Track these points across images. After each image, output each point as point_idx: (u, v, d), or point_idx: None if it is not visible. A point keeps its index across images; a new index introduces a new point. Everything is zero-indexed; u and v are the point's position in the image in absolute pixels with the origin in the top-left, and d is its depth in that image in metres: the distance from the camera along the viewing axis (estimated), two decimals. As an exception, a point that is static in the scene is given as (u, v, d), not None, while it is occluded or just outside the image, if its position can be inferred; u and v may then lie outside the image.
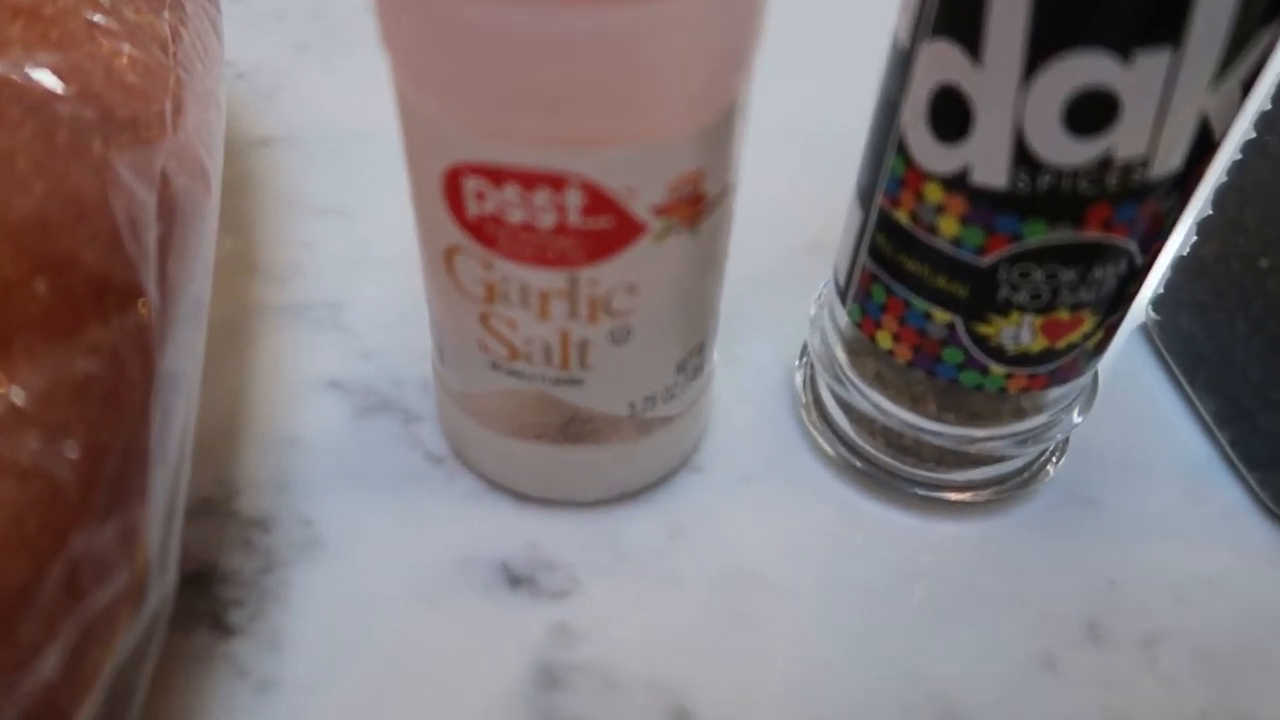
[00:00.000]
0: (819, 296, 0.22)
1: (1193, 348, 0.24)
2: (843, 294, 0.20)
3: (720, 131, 0.16)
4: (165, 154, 0.17)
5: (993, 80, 0.15)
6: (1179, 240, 0.24)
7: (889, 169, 0.17)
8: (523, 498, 0.21)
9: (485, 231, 0.16)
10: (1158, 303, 0.25)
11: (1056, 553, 0.21)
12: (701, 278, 0.18)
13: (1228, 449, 0.23)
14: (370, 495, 0.21)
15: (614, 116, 0.14)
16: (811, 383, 0.23)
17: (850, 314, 0.20)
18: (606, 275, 0.16)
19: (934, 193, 0.16)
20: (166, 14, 0.20)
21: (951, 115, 0.15)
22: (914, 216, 0.17)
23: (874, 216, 0.18)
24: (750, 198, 0.25)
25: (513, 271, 0.16)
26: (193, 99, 0.19)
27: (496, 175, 0.15)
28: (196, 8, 0.22)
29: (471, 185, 0.15)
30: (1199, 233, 0.23)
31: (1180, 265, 0.24)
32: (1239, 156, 0.22)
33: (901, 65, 0.16)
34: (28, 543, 0.11)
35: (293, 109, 0.31)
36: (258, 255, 0.26)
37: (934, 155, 0.16)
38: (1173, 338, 0.25)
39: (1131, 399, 0.24)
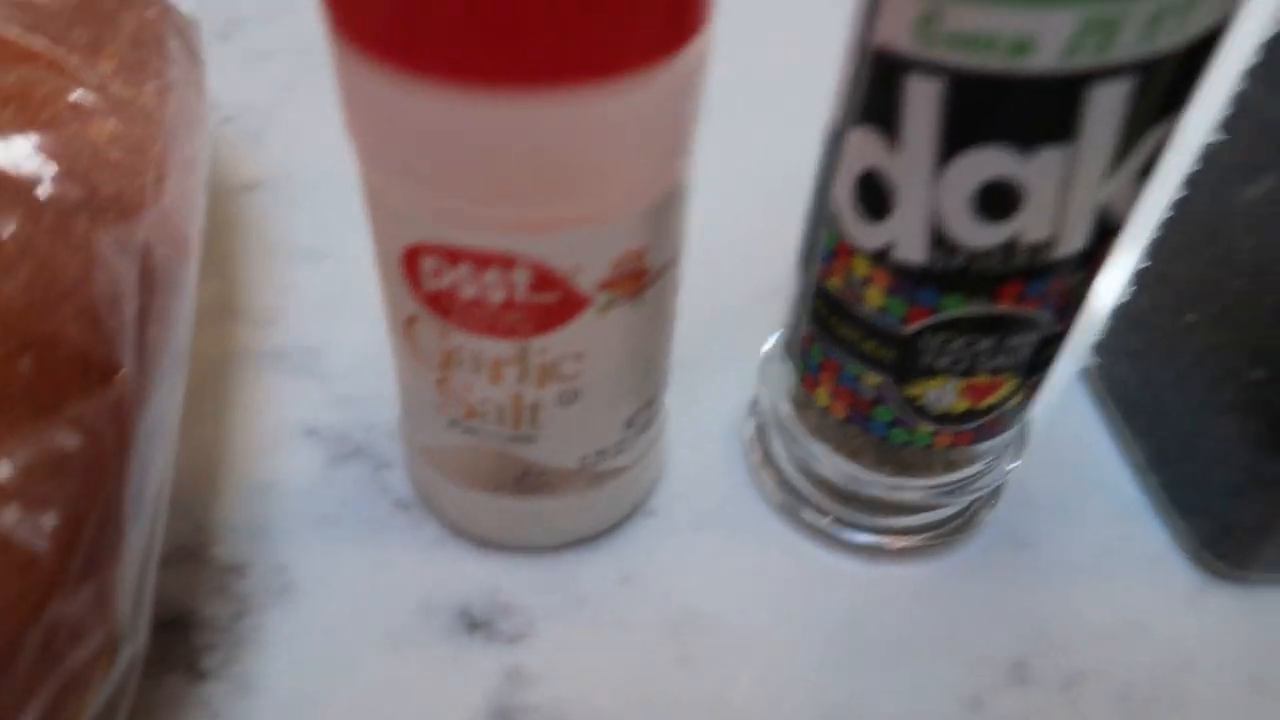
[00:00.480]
0: (768, 348, 0.23)
1: (1129, 393, 0.25)
2: (787, 350, 0.21)
3: (662, 211, 0.17)
4: (147, 227, 0.18)
5: (909, 168, 0.16)
6: (1120, 287, 0.25)
7: (822, 241, 0.18)
8: (484, 543, 0.22)
9: (441, 304, 0.17)
10: (1099, 347, 0.26)
11: (990, 595, 0.22)
12: (646, 342, 0.19)
13: (1158, 493, 0.24)
14: (341, 541, 0.22)
15: (560, 204, 0.15)
16: (761, 430, 0.24)
17: (794, 370, 0.21)
18: (554, 345, 0.17)
19: (861, 266, 0.18)
20: (152, 84, 0.21)
21: (875, 197, 0.17)
22: (844, 286, 0.18)
23: (811, 282, 0.19)
24: (713, 242, 0.26)
25: (466, 341, 0.17)
26: (176, 167, 0.20)
27: (451, 255, 0.16)
28: (181, 72, 0.23)
29: (428, 263, 0.16)
30: (1135, 283, 0.25)
31: (1119, 313, 0.25)
32: (1170, 214, 0.23)
33: (834, 146, 0.18)
34: (6, 611, 0.12)
35: (279, 152, 0.32)
36: (241, 300, 0.27)
37: (860, 232, 0.17)
38: (1111, 383, 0.26)
39: (1070, 442, 0.26)
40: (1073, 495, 0.24)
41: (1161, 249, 0.23)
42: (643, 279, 0.17)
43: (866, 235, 0.17)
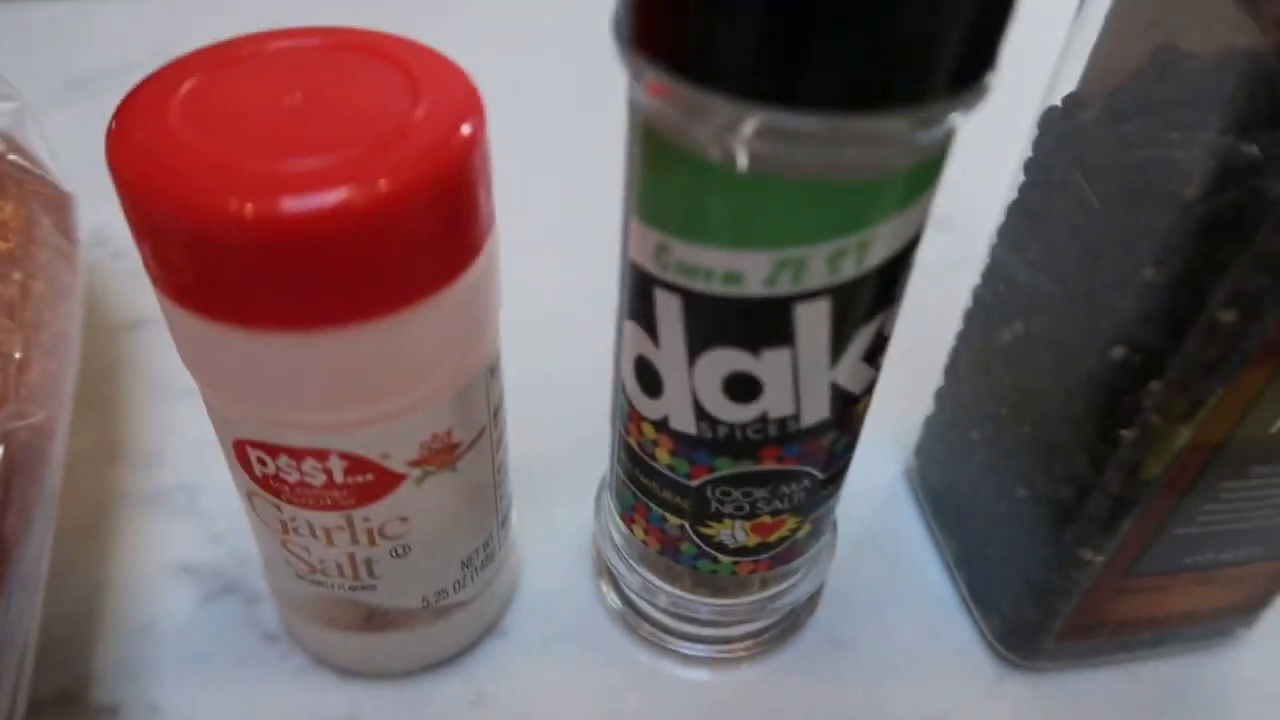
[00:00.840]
0: (603, 478, 0.26)
1: (939, 495, 0.28)
2: (610, 489, 0.24)
3: (467, 394, 0.19)
4: (7, 416, 0.20)
5: (668, 360, 0.18)
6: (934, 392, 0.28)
7: (620, 404, 0.21)
8: (345, 672, 0.24)
9: (270, 485, 0.19)
10: (917, 450, 0.29)
11: (809, 695, 0.25)
12: (469, 499, 0.21)
13: (964, 589, 0.27)
14: (213, 678, 0.24)
15: (360, 410, 0.18)
16: (601, 553, 0.26)
17: (617, 506, 0.23)
18: (376, 514, 0.20)
19: (649, 430, 0.20)
20: (17, 274, 0.23)
21: (649, 378, 0.19)
22: (639, 444, 0.21)
23: (617, 437, 0.22)
24: (572, 361, 0.28)
25: (298, 513, 0.20)
26: (39, 353, 0.22)
27: (271, 450, 0.18)
28: (51, 251, 0.25)
29: (254, 454, 0.19)
30: (936, 400, 0.27)
31: (928, 423, 0.28)
32: (956, 344, 0.26)
33: (619, 327, 0.20)
34: None
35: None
36: (122, 441, 0.29)
37: (643, 404, 0.20)
38: (925, 484, 0.29)
39: (892, 538, 0.28)
40: (890, 592, 0.27)
41: (952, 373, 0.26)
42: (454, 451, 0.20)
43: (648, 407, 0.20)
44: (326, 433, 0.18)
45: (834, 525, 0.25)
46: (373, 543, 0.20)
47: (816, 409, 0.19)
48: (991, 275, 0.24)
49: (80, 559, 0.26)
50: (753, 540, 0.21)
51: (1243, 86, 0.16)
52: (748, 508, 0.21)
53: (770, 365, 0.17)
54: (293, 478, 0.19)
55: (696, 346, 0.18)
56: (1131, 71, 0.19)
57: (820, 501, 0.21)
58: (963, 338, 0.25)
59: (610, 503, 0.24)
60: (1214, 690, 0.25)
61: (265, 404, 0.17)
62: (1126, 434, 0.19)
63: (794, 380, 0.18)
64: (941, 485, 0.27)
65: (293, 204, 0.15)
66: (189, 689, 0.24)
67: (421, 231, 0.16)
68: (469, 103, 0.17)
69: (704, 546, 0.22)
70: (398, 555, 0.21)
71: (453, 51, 0.18)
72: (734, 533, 0.21)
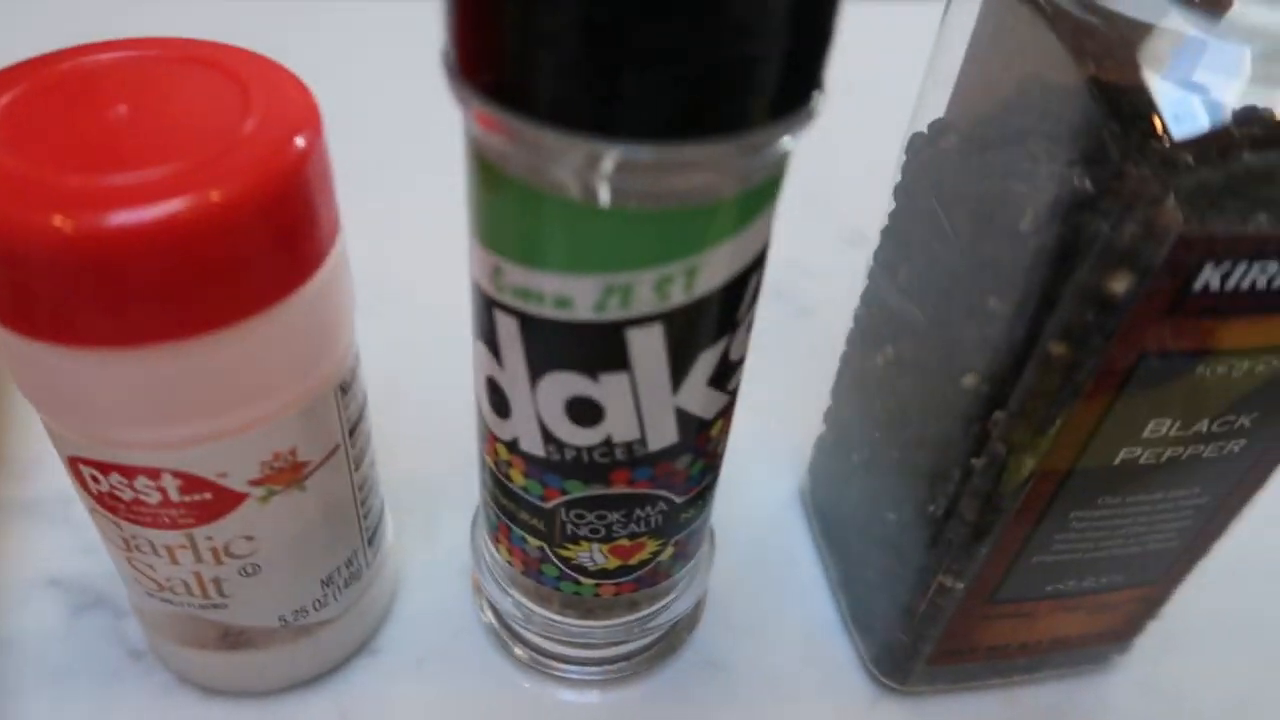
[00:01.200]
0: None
1: (826, 516, 0.28)
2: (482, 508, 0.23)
3: (314, 412, 0.19)
4: None
5: (511, 381, 0.18)
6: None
7: (480, 425, 0.21)
8: (209, 690, 0.24)
9: (107, 502, 0.19)
10: (809, 469, 0.29)
11: (683, 717, 0.24)
12: (327, 516, 0.21)
13: (845, 611, 0.27)
14: (73, 694, 0.23)
15: (187, 430, 0.17)
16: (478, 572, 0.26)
17: (486, 526, 0.23)
18: (219, 532, 0.19)
19: (503, 451, 0.20)
20: None
21: (498, 398, 0.19)
22: (495, 465, 0.20)
23: (480, 457, 0.21)
24: (458, 376, 0.28)
25: (139, 531, 0.19)
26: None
27: (102, 467, 0.18)
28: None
29: (86, 470, 0.18)
30: (825, 420, 0.27)
31: (819, 443, 0.28)
32: (840, 365, 0.26)
33: (474, 347, 0.20)
34: None
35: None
36: (3, 451, 0.28)
37: (497, 424, 0.19)
38: (816, 503, 0.28)
39: (780, 560, 0.28)
40: (773, 613, 0.27)
41: (837, 394, 0.26)
42: (300, 470, 0.19)
43: (500, 428, 0.19)
44: (157, 450, 0.17)
45: (710, 545, 0.25)
46: (219, 561, 0.20)
47: (663, 434, 0.18)
48: (868, 298, 0.24)
49: (-56, 570, 0.25)
50: (613, 563, 0.21)
51: (1075, 119, 0.16)
52: (603, 531, 0.20)
53: (609, 389, 0.17)
54: (127, 495, 0.18)
55: (536, 368, 0.17)
56: (1000, 101, 0.19)
57: (681, 525, 0.21)
58: (845, 359, 0.25)
59: (482, 523, 0.24)
60: (1089, 715, 0.25)
61: (89, 421, 0.17)
62: (977, 462, 0.19)
63: (635, 404, 0.18)
64: (829, 506, 0.27)
65: (110, 219, 0.14)
66: (48, 707, 0.23)
67: (248, 246, 0.16)
68: (304, 114, 0.17)
69: (564, 569, 0.21)
70: (248, 574, 0.20)
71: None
72: (593, 555, 0.21)
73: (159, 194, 0.15)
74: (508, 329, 0.17)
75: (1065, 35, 0.17)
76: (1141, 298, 0.15)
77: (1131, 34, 0.16)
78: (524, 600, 0.23)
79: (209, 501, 0.18)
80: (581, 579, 0.22)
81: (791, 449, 0.30)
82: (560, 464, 0.19)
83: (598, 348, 0.17)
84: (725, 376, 0.18)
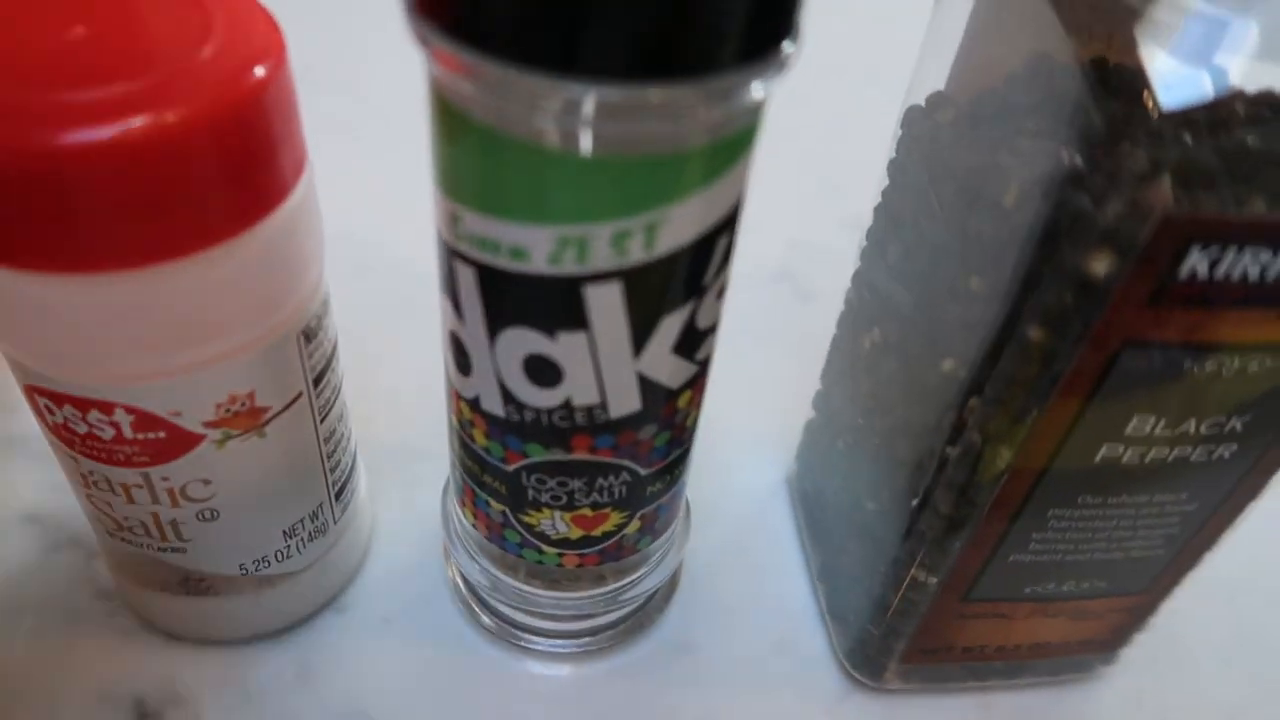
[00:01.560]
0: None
1: (810, 502, 0.27)
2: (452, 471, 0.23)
3: (273, 356, 0.19)
4: None
5: (471, 336, 0.18)
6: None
7: (446, 382, 0.20)
8: (172, 635, 0.24)
9: (63, 435, 0.19)
10: (798, 455, 0.28)
11: (644, 699, 0.24)
12: (289, 466, 0.21)
13: (823, 601, 0.26)
14: (43, 631, 0.23)
15: (138, 364, 0.17)
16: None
17: (454, 489, 0.23)
18: (175, 473, 0.19)
19: (466, 410, 0.19)
20: None
21: (460, 354, 0.18)
22: (459, 425, 0.20)
23: (449, 416, 0.21)
24: (426, 349, 0.28)
25: (95, 467, 0.19)
26: None
27: (56, 398, 0.18)
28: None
29: (41, 401, 0.18)
30: (815, 403, 0.27)
31: (808, 427, 0.27)
32: (830, 347, 0.25)
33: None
34: None
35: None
36: (-7, 386, 0.29)
37: (460, 382, 0.19)
38: (801, 491, 0.28)
39: (763, 545, 0.27)
40: (750, 599, 0.26)
41: (826, 378, 0.25)
42: (259, 416, 0.19)
43: (462, 385, 0.19)
44: (106, 383, 0.17)
45: (685, 524, 0.24)
46: (175, 504, 0.20)
47: (625, 400, 0.18)
48: (858, 279, 0.23)
49: (-75, 500, 0.25)
50: (575, 533, 0.21)
51: (1069, 93, 0.15)
52: (565, 498, 0.20)
53: (567, 349, 0.17)
54: (80, 429, 0.18)
55: (495, 324, 0.17)
56: (998, 76, 0.18)
57: (648, 499, 0.21)
58: (835, 342, 0.25)
59: (452, 487, 0.23)
60: (1069, 726, 0.24)
61: (38, 349, 0.17)
62: (952, 451, 0.18)
63: (595, 366, 0.17)
64: (813, 493, 0.27)
65: (63, 136, 0.14)
66: (6, 640, 0.23)
67: (201, 172, 0.15)
68: (268, 44, 0.16)
69: (526, 535, 0.21)
70: (205, 519, 0.20)
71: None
72: (554, 523, 0.20)
73: (111, 113, 0.14)
74: (467, 280, 0.17)
75: (1063, 8, 0.16)
76: (1124, 281, 0.15)
77: (1131, 7, 0.15)
78: (490, 568, 0.23)
79: (163, 440, 0.18)
80: (544, 546, 0.21)
81: (783, 433, 0.29)
82: (520, 425, 0.18)
83: (555, 303, 0.16)
84: (692, 345, 0.18)
